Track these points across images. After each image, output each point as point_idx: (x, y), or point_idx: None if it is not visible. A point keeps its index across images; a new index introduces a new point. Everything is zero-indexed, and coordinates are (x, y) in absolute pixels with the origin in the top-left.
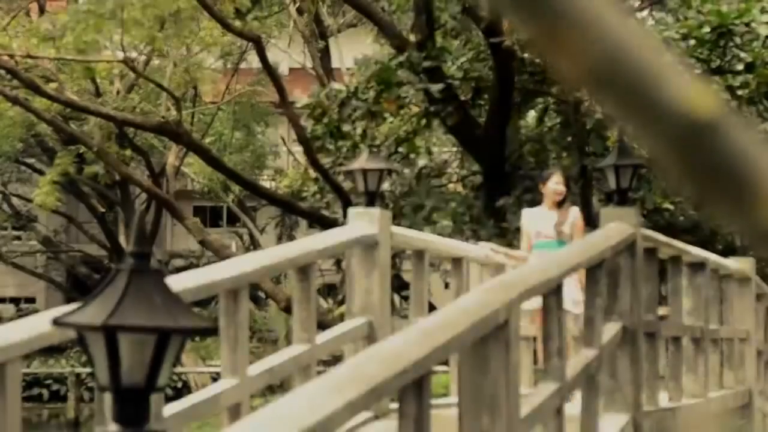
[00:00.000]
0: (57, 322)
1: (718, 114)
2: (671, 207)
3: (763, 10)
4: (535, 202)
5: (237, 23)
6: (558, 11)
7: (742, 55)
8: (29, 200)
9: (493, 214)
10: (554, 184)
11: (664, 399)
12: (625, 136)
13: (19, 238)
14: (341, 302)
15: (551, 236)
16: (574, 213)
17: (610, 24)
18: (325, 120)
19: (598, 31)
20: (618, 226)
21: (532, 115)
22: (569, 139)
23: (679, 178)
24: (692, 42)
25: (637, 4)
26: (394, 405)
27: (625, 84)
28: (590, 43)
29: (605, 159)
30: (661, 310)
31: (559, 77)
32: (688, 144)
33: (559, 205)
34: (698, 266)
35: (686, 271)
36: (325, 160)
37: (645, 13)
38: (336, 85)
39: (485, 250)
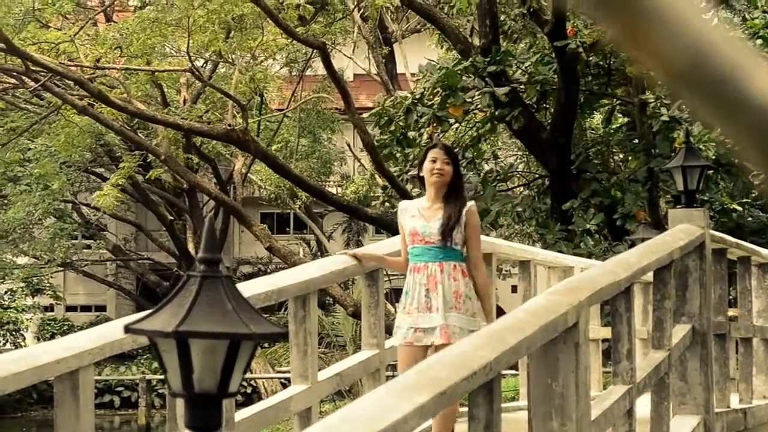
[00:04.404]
0: (129, 329)
1: None
2: (739, 208)
3: None
4: (604, 205)
5: (301, 30)
6: (640, 8)
7: None
8: (98, 209)
9: (559, 217)
10: (429, 162)
11: (735, 400)
12: (703, 131)
13: (89, 246)
14: None
15: (432, 241)
16: (468, 210)
17: (691, 19)
18: (392, 127)
19: (681, 26)
20: (686, 227)
21: (597, 117)
22: (635, 141)
23: (764, 170)
24: (759, 41)
25: (703, 4)
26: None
27: (710, 77)
28: (673, 39)
29: (672, 160)
30: (731, 312)
31: (644, 74)
32: None
33: (449, 194)
34: None
35: (756, 272)
36: (392, 167)
37: (711, 13)
38: (401, 93)
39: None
